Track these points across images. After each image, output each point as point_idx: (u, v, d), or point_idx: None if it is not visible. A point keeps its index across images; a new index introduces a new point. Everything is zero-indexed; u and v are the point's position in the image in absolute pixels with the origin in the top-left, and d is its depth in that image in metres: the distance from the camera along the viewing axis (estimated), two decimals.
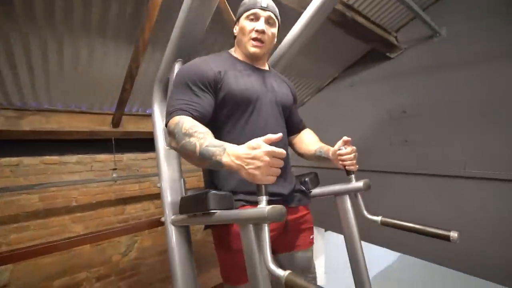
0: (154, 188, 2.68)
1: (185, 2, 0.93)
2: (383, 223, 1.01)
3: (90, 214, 2.34)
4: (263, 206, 0.67)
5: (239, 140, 0.93)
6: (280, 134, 0.69)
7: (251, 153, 0.67)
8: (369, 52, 2.72)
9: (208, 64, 0.93)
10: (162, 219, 1.10)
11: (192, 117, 0.84)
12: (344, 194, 1.11)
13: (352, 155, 1.04)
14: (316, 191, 1.19)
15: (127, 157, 2.57)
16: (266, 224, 0.68)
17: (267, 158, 0.65)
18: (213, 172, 1.00)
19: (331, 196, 1.17)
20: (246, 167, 0.67)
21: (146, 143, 2.63)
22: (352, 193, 1.10)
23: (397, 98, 2.53)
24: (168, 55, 1.07)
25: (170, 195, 1.11)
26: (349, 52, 2.68)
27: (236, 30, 1.04)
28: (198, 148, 0.74)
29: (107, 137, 2.32)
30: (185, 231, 1.08)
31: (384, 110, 2.64)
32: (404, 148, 2.50)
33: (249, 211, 0.69)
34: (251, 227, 0.71)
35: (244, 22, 0.98)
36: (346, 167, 1.06)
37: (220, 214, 0.79)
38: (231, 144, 0.73)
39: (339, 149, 1.06)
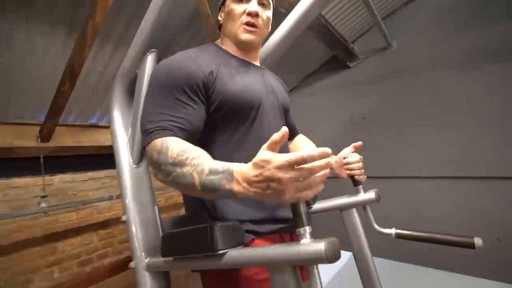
0: (99, 215, 2.19)
1: None
2: (398, 236, 0.92)
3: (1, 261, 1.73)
4: (310, 241, 0.49)
5: (238, 155, 0.74)
6: (285, 129, 0.50)
7: (263, 173, 0.49)
8: (327, 61, 2.80)
9: (195, 62, 0.71)
10: (132, 264, 0.81)
11: (179, 138, 0.64)
12: (352, 208, 0.99)
13: (360, 164, 0.95)
14: (317, 206, 1.05)
15: (60, 179, 2.04)
16: (315, 266, 0.49)
17: (284, 175, 0.47)
18: None
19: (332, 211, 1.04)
20: (263, 192, 0.50)
21: (86, 159, 2.15)
22: (360, 206, 0.99)
23: (358, 105, 2.64)
24: (138, 44, 0.81)
25: (141, 230, 0.82)
26: (310, 59, 2.71)
27: (221, 16, 0.85)
28: (197, 181, 0.56)
29: (33, 155, 1.79)
30: (164, 278, 0.81)
31: (346, 116, 2.73)
32: (366, 153, 2.60)
33: (291, 249, 0.50)
34: (290, 270, 0.51)
35: (232, 5, 0.79)
36: (355, 176, 0.95)
37: (234, 255, 0.58)
38: (236, 165, 0.54)
39: (345, 157, 0.95)
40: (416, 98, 2.33)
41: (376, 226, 0.96)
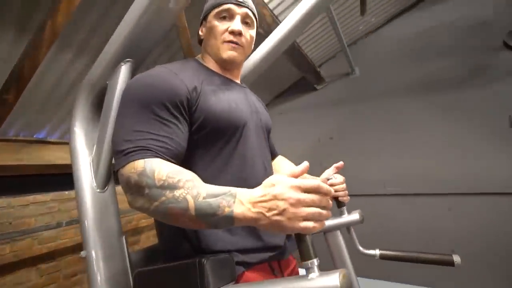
0: (40, 247, 1.85)
1: None
2: (382, 257, 0.92)
3: None
4: (319, 274, 0.44)
5: (223, 178, 0.68)
6: (306, 164, 0.49)
7: (271, 192, 0.46)
8: (296, 82, 2.91)
9: (177, 77, 0.64)
10: None
11: (163, 160, 0.56)
12: (336, 230, 0.97)
13: (344, 185, 0.94)
14: None
15: None
16: None
17: (294, 195, 0.45)
18: None
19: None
20: (267, 214, 0.46)
21: (28, 180, 1.84)
22: (344, 227, 0.98)
23: (325, 126, 2.76)
24: (110, 52, 0.71)
25: (105, 267, 0.69)
26: (280, 79, 2.79)
27: (202, 31, 0.81)
28: (192, 205, 0.49)
29: None
30: None
31: (314, 136, 2.82)
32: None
33: (303, 283, 0.44)
34: None
35: (214, 21, 0.75)
36: (339, 198, 0.94)
37: None
38: (240, 188, 0.51)
39: (329, 178, 0.94)
40: (378, 120, 2.52)
41: (361, 248, 0.95)
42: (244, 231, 0.68)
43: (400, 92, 2.43)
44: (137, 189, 0.53)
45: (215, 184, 0.55)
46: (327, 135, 2.77)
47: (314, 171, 0.90)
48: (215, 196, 0.49)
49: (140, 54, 0.75)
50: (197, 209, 0.48)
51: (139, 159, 0.54)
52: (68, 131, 1.84)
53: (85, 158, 0.77)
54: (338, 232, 0.98)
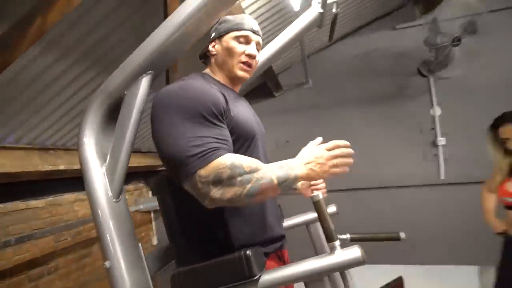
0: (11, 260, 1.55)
1: (187, 4, 0.70)
2: (352, 239, 1.15)
3: None
4: (344, 250, 0.60)
5: None
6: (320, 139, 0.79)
7: (311, 155, 0.69)
8: (257, 87, 3.08)
9: (212, 88, 0.73)
10: None
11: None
12: (317, 221, 1.16)
13: (324, 184, 1.14)
14: (287, 223, 1.17)
15: None
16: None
17: (324, 153, 0.69)
18: (211, 219, 0.75)
19: None
20: (315, 168, 0.67)
21: None
22: None
23: (281, 130, 3.01)
24: (134, 64, 0.73)
25: (128, 275, 0.71)
26: (244, 83, 2.90)
27: (214, 48, 0.89)
28: (274, 177, 0.65)
29: None
30: None
31: (271, 139, 3.04)
32: None
33: (333, 258, 0.59)
34: (327, 279, 0.60)
35: (232, 43, 0.84)
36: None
37: (270, 277, 0.61)
38: (290, 159, 0.71)
39: None
40: (327, 126, 2.90)
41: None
42: (258, 225, 0.80)
43: (344, 103, 2.86)
44: (229, 180, 0.61)
45: None
46: (283, 139, 3.03)
47: None
48: (282, 167, 0.66)
49: (161, 67, 0.78)
50: (278, 179, 0.64)
51: (219, 157, 0.62)
52: (25, 135, 1.61)
53: (97, 168, 0.76)
54: (318, 224, 1.17)
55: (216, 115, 0.68)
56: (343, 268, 0.59)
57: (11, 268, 1.70)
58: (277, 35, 1.23)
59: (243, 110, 0.83)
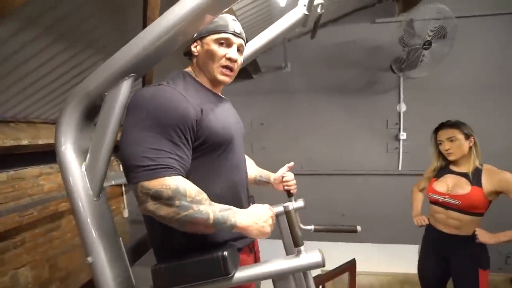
0: None
1: (177, 8, 0.68)
2: (316, 230, 1.29)
3: None
4: (308, 254, 0.70)
5: (216, 179, 0.84)
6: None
7: (257, 214, 0.76)
8: None
9: (188, 101, 0.74)
10: None
11: (183, 177, 0.71)
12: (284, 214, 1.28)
13: (295, 181, 1.24)
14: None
15: None
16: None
17: (267, 218, 0.77)
18: None
19: None
20: (255, 225, 0.74)
21: None
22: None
23: (257, 112, 3.05)
24: (116, 66, 0.71)
25: (110, 269, 0.76)
26: None
27: (196, 49, 0.88)
28: (211, 216, 0.69)
29: None
30: None
31: (246, 121, 3.07)
32: (263, 153, 3.08)
33: (297, 261, 0.69)
34: (292, 277, 0.71)
35: (213, 46, 0.84)
36: (291, 190, 1.23)
37: (243, 274, 0.71)
38: (237, 208, 0.76)
39: (283, 175, 1.22)
40: (300, 111, 2.98)
41: (301, 225, 1.30)
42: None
43: (319, 90, 2.94)
44: (168, 201, 0.65)
45: (211, 188, 0.78)
46: (258, 121, 3.08)
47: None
48: (225, 210, 0.71)
49: (142, 70, 0.77)
50: (215, 220, 0.68)
51: (166, 176, 0.66)
52: None
53: (76, 167, 0.76)
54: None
55: (181, 132, 0.71)
56: (306, 269, 0.69)
57: None
58: (262, 26, 1.23)
59: (221, 116, 0.85)
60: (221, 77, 0.87)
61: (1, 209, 1.80)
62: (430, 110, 2.67)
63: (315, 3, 1.16)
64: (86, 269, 2.53)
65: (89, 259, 0.74)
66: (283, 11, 1.20)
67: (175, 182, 0.66)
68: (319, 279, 1.76)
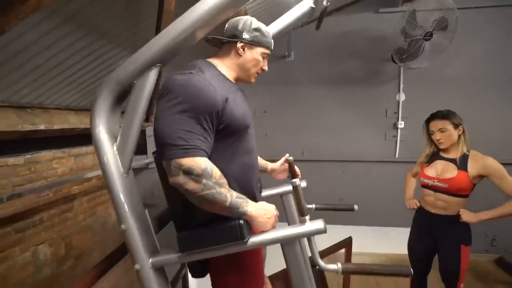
0: None
1: (198, 7, 0.76)
2: (317, 209, 1.41)
3: None
4: (311, 222, 0.82)
5: (232, 162, 0.95)
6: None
7: (265, 208, 0.85)
8: None
9: (216, 90, 0.83)
10: (137, 266, 0.87)
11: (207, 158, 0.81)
12: (290, 193, 1.39)
13: (299, 170, 1.34)
14: (264, 194, 1.39)
15: None
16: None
17: (272, 213, 0.86)
18: None
19: None
20: (263, 216, 0.83)
21: None
22: None
23: (260, 100, 3.13)
24: (145, 57, 0.79)
25: (141, 235, 0.88)
26: None
27: (244, 50, 0.96)
28: (229, 200, 0.78)
29: None
30: (163, 272, 0.93)
31: (251, 108, 3.15)
32: (265, 140, 3.18)
33: (303, 228, 0.81)
34: (298, 242, 0.83)
35: (259, 56, 0.97)
36: (295, 175, 1.34)
37: (256, 239, 0.83)
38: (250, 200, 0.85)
39: (288, 159, 1.33)
40: (302, 100, 3.07)
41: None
42: (244, 195, 0.99)
43: (320, 79, 3.01)
44: (197, 178, 0.75)
45: (228, 169, 0.87)
46: (262, 108, 3.16)
47: None
48: (240, 198, 0.81)
49: (168, 60, 0.86)
50: (231, 203, 0.78)
51: (197, 156, 0.76)
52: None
53: (109, 146, 0.86)
54: (291, 196, 1.41)
55: (209, 118, 0.81)
56: (310, 235, 0.81)
57: None
58: (271, 18, 1.30)
59: (240, 104, 0.95)
60: (253, 81, 1.04)
61: (20, 190, 1.92)
62: (429, 100, 2.76)
63: None
64: (97, 248, 2.68)
65: (123, 226, 0.85)
66: (290, 4, 1.27)
67: (205, 163, 0.76)
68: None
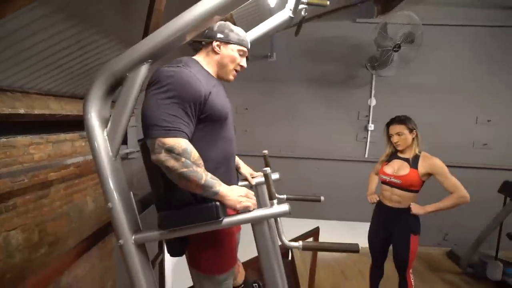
0: None
1: (194, 11, 0.87)
2: (288, 199, 1.57)
3: None
4: (278, 205, 0.96)
5: (212, 148, 1.06)
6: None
7: (235, 190, 0.95)
8: None
9: (201, 83, 0.93)
10: (121, 241, 0.96)
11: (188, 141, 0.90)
12: (263, 184, 1.53)
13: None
14: (240, 184, 1.51)
15: None
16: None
17: (242, 193, 0.95)
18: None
19: None
20: (231, 196, 0.93)
21: None
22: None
23: (242, 97, 3.25)
24: (139, 52, 0.88)
25: (125, 214, 0.97)
26: None
27: (220, 48, 1.06)
28: (204, 179, 0.88)
29: None
30: (144, 249, 1.03)
31: (232, 105, 3.25)
32: (245, 136, 3.31)
33: (270, 210, 0.94)
34: (266, 222, 0.97)
35: (235, 53, 1.06)
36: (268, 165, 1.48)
37: (230, 219, 0.95)
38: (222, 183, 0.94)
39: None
40: (281, 99, 3.23)
41: (276, 194, 1.56)
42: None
43: (299, 80, 3.19)
44: (177, 156, 0.85)
45: (209, 154, 0.98)
46: (243, 106, 3.28)
47: None
48: (214, 179, 0.90)
49: (158, 57, 0.95)
50: (205, 182, 0.88)
51: (180, 137, 0.86)
52: None
53: (99, 132, 0.95)
54: (264, 187, 1.54)
55: (193, 106, 0.91)
56: (277, 216, 0.95)
57: None
58: (254, 22, 1.41)
59: (221, 97, 1.06)
60: (231, 78, 1.11)
61: None
62: (397, 105, 3.01)
63: (300, 7, 1.37)
64: (73, 235, 2.68)
65: (109, 204, 0.94)
66: (273, 12, 1.39)
67: (186, 144, 0.86)
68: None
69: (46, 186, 2.40)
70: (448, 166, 1.67)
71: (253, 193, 0.96)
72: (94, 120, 0.93)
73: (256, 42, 3.05)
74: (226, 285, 1.14)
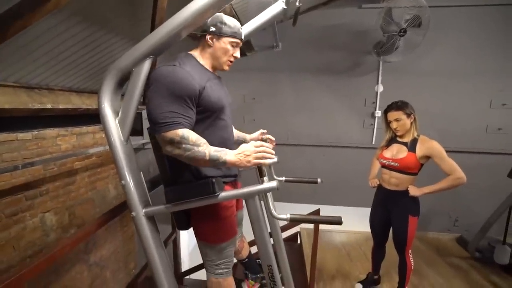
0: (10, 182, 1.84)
1: (190, 8, 0.98)
2: (286, 181, 1.68)
3: None
4: (269, 182, 1.07)
5: (211, 136, 1.19)
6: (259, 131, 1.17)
7: (241, 150, 1.03)
8: None
9: (194, 79, 1.04)
10: (133, 213, 1.12)
11: (189, 129, 1.02)
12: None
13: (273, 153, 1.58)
14: None
15: None
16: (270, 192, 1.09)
17: (251, 149, 1.03)
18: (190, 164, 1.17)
19: None
20: (241, 158, 1.03)
21: None
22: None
23: (250, 87, 3.34)
24: (143, 48, 1.02)
25: (136, 190, 1.13)
26: None
27: (213, 41, 1.15)
28: (207, 154, 0.99)
29: None
30: (153, 220, 1.18)
31: (240, 95, 3.37)
32: (253, 125, 3.42)
33: (260, 186, 1.06)
34: (257, 197, 1.09)
35: (228, 45, 1.15)
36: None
37: (225, 193, 1.08)
38: (228, 149, 1.04)
39: (263, 138, 1.57)
40: (288, 88, 3.29)
41: (275, 176, 1.68)
42: (221, 169, 1.24)
43: (306, 69, 3.22)
44: (178, 144, 0.99)
45: (209, 139, 1.08)
46: (250, 96, 3.38)
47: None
48: (218, 151, 1.02)
49: (160, 53, 1.08)
50: (210, 157, 1.00)
51: (178, 129, 0.99)
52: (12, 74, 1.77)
53: (112, 120, 1.10)
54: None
55: (189, 100, 1.03)
56: (266, 191, 1.07)
57: (10, 189, 2.02)
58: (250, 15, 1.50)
59: (216, 90, 1.17)
60: (226, 68, 1.21)
61: (29, 163, 2.15)
62: (404, 91, 3.00)
63: None
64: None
65: (123, 182, 1.10)
66: (270, 3, 1.47)
67: (182, 132, 0.99)
68: (291, 224, 2.21)
69: (72, 174, 2.66)
70: (460, 151, 1.72)
71: (261, 143, 1.04)
72: (107, 109, 1.09)
73: (261, 33, 3.12)
74: (227, 253, 1.29)
